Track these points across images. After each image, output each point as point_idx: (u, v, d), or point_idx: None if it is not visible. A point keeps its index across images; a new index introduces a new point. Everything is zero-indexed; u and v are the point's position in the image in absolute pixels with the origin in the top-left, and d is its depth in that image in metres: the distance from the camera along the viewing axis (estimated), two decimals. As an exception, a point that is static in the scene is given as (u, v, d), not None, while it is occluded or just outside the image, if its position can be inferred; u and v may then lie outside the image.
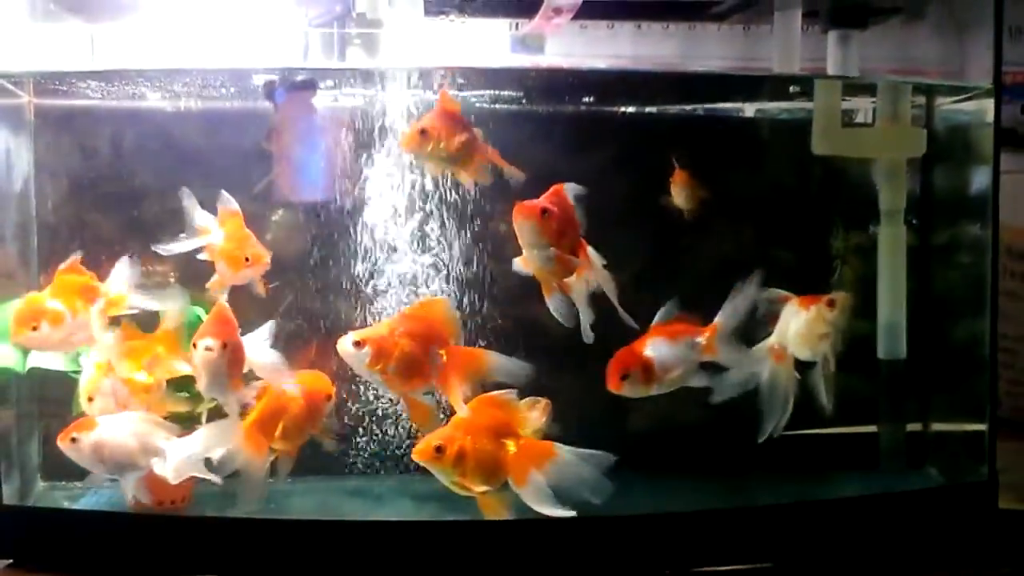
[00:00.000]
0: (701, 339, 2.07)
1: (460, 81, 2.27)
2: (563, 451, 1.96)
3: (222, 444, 2.01)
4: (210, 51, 2.28)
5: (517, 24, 2.48)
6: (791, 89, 2.46)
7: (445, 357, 2.01)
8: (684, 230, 2.38)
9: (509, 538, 2.05)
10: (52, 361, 2.22)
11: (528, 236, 2.00)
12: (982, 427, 2.30)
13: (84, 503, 2.26)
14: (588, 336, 2.05)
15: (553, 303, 2.06)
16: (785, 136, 2.59)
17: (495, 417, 1.96)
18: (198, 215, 2.18)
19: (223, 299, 2.10)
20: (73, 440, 2.02)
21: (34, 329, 2.05)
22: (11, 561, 2.04)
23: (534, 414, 2.05)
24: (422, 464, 1.93)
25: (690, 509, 2.17)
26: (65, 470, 2.36)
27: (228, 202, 2.20)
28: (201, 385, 2.00)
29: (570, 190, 2.04)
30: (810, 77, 2.39)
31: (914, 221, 2.48)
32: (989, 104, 2.29)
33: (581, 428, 2.35)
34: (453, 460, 1.92)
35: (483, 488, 1.95)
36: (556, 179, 2.16)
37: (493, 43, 2.49)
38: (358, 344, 1.94)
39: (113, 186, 2.25)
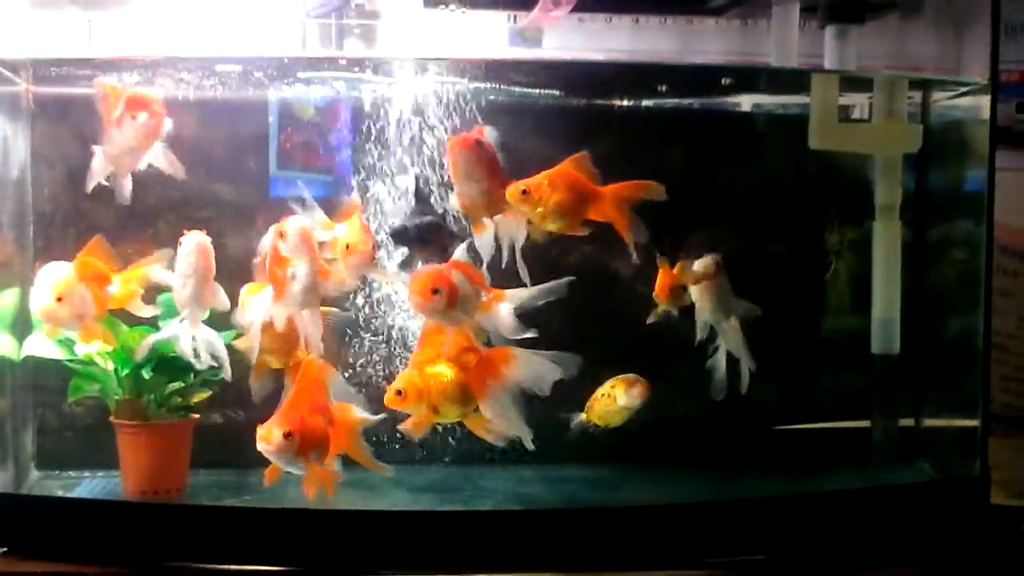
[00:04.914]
0: (485, 295, 2.05)
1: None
2: (521, 353, 2.00)
3: None
4: (208, 40, 2.28)
5: (515, 16, 2.48)
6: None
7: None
8: (677, 223, 2.38)
9: (503, 528, 2.05)
10: (47, 350, 2.21)
11: (464, 167, 2.02)
12: (975, 423, 2.32)
13: (78, 492, 2.26)
14: (524, 275, 2.07)
15: (481, 240, 2.09)
16: (782, 131, 2.59)
17: (451, 341, 2.00)
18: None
19: None
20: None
21: None
22: (5, 549, 2.03)
23: (633, 391, 2.21)
24: (394, 408, 2.00)
25: (683, 501, 2.18)
26: (59, 459, 2.38)
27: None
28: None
29: (490, 134, 2.06)
30: (808, 71, 2.40)
31: (909, 216, 2.49)
32: (985, 101, 2.29)
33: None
34: (417, 398, 1.98)
35: (460, 414, 2.01)
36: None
37: (491, 35, 2.49)
38: (289, 436, 1.91)
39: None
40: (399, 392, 1.99)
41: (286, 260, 2.06)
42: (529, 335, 2.04)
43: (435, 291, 1.96)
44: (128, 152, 2.11)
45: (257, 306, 2.11)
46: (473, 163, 2.02)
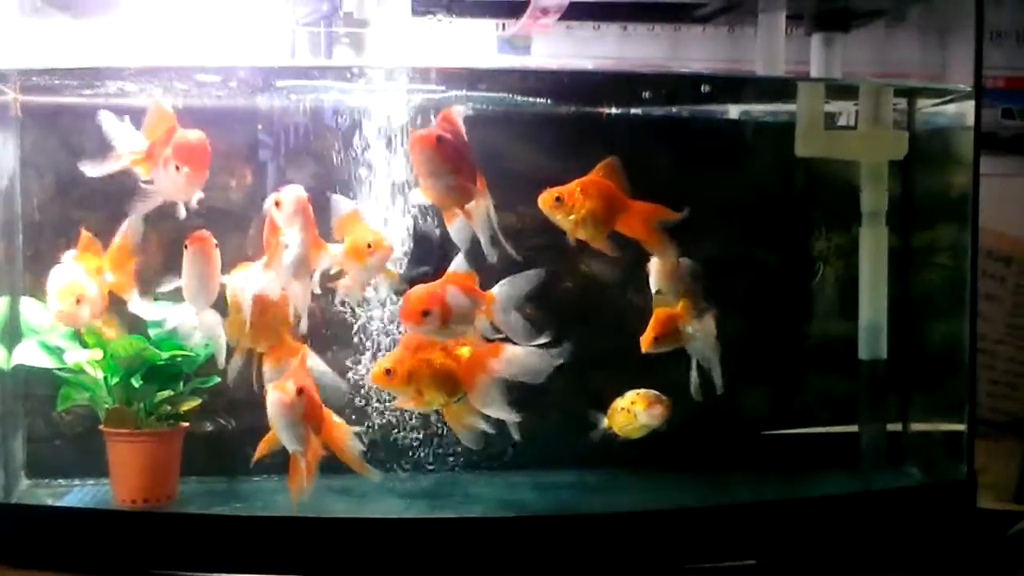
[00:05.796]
0: (481, 302, 2.05)
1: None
2: (511, 348, 2.02)
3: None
4: (198, 49, 2.28)
5: (504, 25, 2.49)
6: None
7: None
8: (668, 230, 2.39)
9: (493, 534, 2.06)
10: (36, 358, 2.21)
11: (427, 165, 2.00)
12: (962, 427, 2.33)
13: (68, 500, 2.26)
14: (490, 255, 2.08)
15: (454, 229, 2.09)
16: (768, 138, 2.61)
17: None
18: None
19: None
20: None
21: None
22: (-5, 558, 2.04)
23: (654, 411, 2.21)
24: (380, 387, 2.03)
25: (673, 507, 2.19)
26: (49, 468, 2.37)
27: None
28: None
29: (458, 113, 2.04)
30: (794, 79, 2.41)
31: (895, 222, 2.50)
32: (970, 107, 2.31)
33: (567, 425, 2.39)
34: (405, 379, 1.99)
35: (443, 400, 2.02)
36: (543, 179, 2.18)
37: (480, 43, 2.50)
38: (301, 392, 1.94)
39: (99, 184, 2.25)
40: (388, 371, 2.00)
41: (279, 230, 2.06)
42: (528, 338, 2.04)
43: (425, 313, 1.96)
44: (168, 192, 2.12)
45: (247, 277, 2.11)
46: (437, 160, 2.00)
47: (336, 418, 2.08)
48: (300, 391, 1.94)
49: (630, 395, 2.26)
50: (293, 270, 2.06)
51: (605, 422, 2.29)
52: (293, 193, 2.07)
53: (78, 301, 2.10)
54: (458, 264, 2.05)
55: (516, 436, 2.05)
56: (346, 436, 2.07)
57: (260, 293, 2.09)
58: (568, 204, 2.07)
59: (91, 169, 2.12)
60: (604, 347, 2.30)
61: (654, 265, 2.22)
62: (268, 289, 2.09)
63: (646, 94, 2.54)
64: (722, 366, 2.24)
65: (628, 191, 2.12)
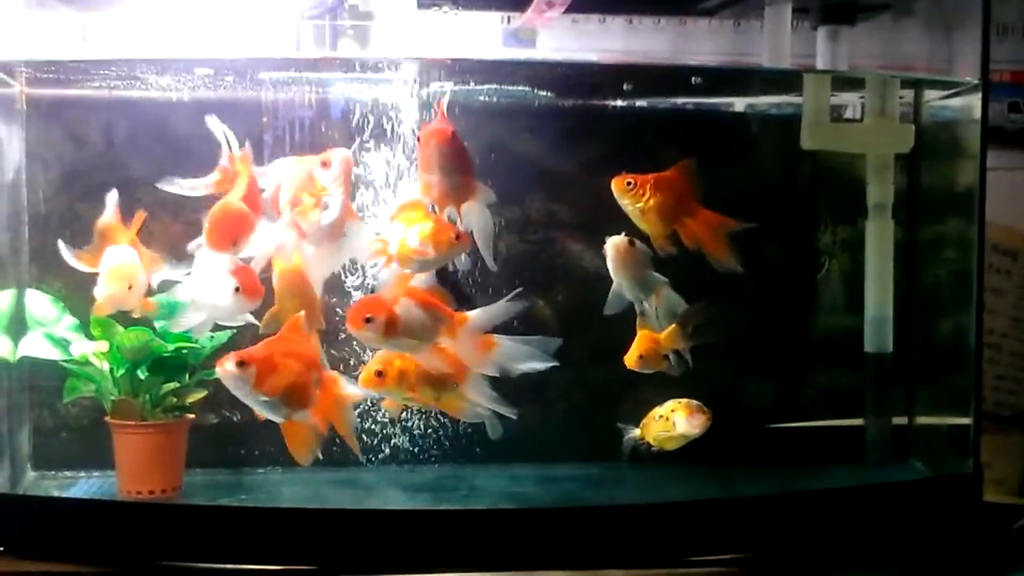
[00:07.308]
0: (447, 320, 2.00)
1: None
2: (503, 341, 2.01)
3: None
4: (202, 41, 2.29)
5: (509, 18, 2.49)
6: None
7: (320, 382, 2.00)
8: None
9: (497, 526, 2.06)
10: (43, 350, 2.22)
11: (439, 161, 1.99)
12: (967, 421, 2.33)
13: (74, 492, 2.26)
14: (490, 261, 2.06)
15: None
16: (774, 131, 2.60)
17: None
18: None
19: None
20: None
21: None
22: (1, 549, 2.04)
23: (694, 420, 2.14)
24: (371, 390, 2.00)
25: (676, 500, 2.19)
26: (55, 459, 2.38)
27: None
28: None
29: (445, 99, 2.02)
30: (800, 71, 2.41)
31: (901, 216, 2.50)
32: (976, 101, 2.31)
33: (569, 417, 2.39)
34: (396, 380, 1.98)
35: (437, 396, 2.02)
36: (545, 172, 2.17)
37: (485, 36, 2.50)
38: (242, 364, 1.88)
39: (105, 176, 2.25)
40: (379, 373, 1.99)
41: (317, 191, 2.02)
42: (494, 372, 2.03)
43: (367, 320, 1.92)
44: None
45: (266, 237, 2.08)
46: (447, 156, 1.99)
47: (339, 384, 2.03)
48: (241, 362, 1.87)
49: (670, 403, 2.17)
50: (328, 232, 2.03)
51: (637, 432, 2.20)
52: (342, 155, 2.04)
53: (129, 287, 2.10)
54: (422, 279, 2.00)
55: (494, 435, 2.05)
56: (343, 410, 2.03)
57: (287, 274, 2.07)
58: (639, 191, 2.08)
59: (177, 188, 2.11)
60: (604, 341, 2.29)
61: (609, 245, 2.16)
62: (287, 247, 2.06)
63: (651, 87, 2.54)
64: (692, 352, 2.19)
65: (699, 197, 2.13)
